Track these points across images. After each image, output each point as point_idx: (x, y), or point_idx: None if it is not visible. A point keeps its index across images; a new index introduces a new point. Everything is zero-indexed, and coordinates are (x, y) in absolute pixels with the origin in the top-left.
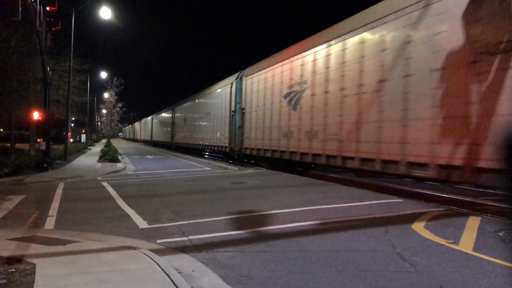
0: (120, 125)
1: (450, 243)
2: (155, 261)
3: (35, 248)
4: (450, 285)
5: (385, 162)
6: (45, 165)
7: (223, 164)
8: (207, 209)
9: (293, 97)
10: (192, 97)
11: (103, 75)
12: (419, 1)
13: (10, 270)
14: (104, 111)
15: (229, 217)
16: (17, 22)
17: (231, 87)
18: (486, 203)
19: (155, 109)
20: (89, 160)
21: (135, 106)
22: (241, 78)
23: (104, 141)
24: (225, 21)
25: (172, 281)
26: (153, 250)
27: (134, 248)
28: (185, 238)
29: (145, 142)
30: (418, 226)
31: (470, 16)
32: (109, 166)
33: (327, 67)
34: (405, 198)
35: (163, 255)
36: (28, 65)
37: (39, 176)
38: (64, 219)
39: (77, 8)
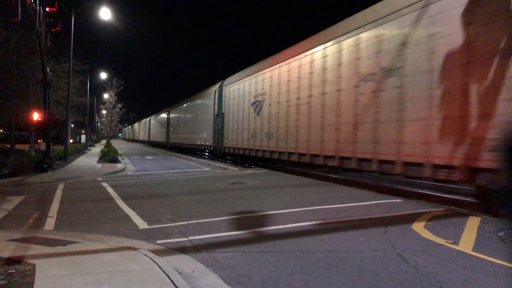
0: (119, 125)
1: (450, 243)
2: (155, 262)
3: (35, 249)
4: (450, 285)
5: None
6: (45, 165)
7: (222, 165)
8: (207, 210)
9: (257, 105)
10: (184, 101)
11: (103, 75)
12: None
13: (10, 271)
14: (104, 111)
15: (229, 217)
16: (17, 23)
17: (215, 94)
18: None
19: (155, 110)
20: (89, 160)
21: (135, 106)
22: (222, 87)
23: (104, 141)
24: (224, 21)
25: (172, 281)
26: (153, 251)
27: (134, 248)
28: (185, 239)
29: (144, 142)
30: (418, 226)
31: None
32: (109, 167)
33: (288, 80)
34: (405, 198)
35: (163, 256)
36: (28, 66)
37: (39, 177)
38: (64, 219)
39: (77, 9)
